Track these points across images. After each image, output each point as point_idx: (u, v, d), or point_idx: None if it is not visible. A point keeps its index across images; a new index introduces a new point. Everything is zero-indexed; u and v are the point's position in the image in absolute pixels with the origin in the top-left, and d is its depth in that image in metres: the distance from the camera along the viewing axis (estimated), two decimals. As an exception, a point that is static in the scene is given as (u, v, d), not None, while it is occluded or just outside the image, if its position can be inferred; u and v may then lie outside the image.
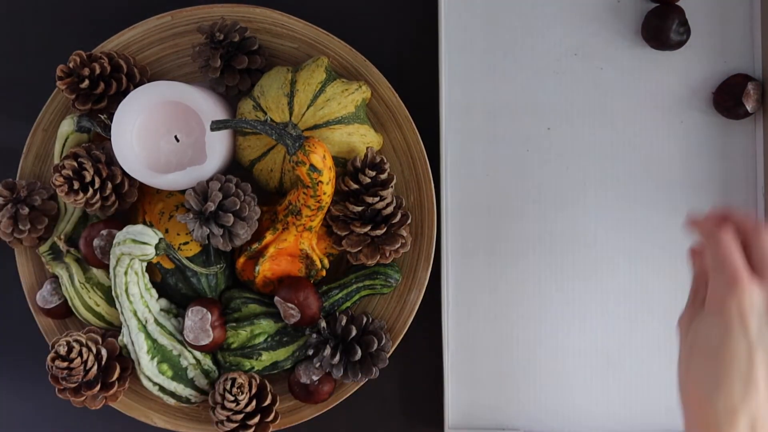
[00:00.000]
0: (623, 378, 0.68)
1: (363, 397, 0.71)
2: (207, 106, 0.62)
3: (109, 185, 0.63)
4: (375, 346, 0.65)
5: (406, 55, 0.71)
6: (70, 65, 0.64)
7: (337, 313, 0.66)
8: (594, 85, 0.69)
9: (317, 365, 0.65)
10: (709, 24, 0.68)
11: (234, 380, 0.63)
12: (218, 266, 0.65)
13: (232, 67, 0.65)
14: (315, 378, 0.66)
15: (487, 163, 0.69)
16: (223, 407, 0.63)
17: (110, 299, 0.66)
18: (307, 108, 0.63)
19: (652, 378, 0.68)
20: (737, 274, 0.52)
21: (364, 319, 0.66)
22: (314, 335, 0.65)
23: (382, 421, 0.72)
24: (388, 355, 0.66)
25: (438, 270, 0.68)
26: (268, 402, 0.64)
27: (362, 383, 0.67)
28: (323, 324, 0.65)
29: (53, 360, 0.63)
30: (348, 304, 0.67)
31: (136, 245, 0.61)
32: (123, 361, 0.65)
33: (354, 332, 0.65)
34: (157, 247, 0.62)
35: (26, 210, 0.65)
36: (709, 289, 0.54)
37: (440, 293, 0.68)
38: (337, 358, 0.64)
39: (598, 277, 0.68)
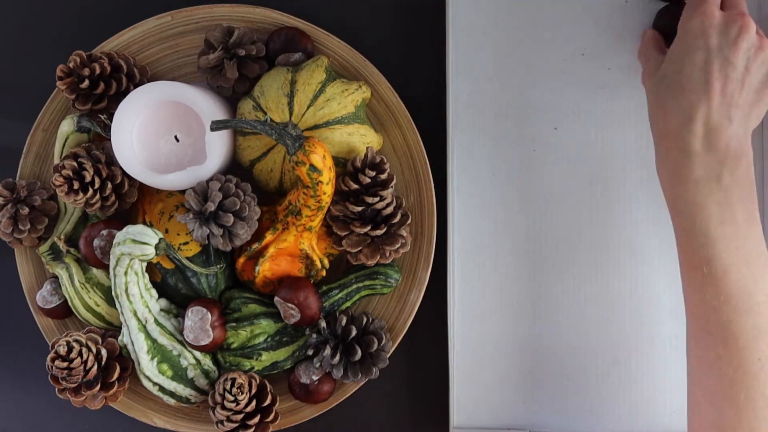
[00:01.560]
0: (630, 378, 0.68)
1: (367, 396, 0.71)
2: (207, 106, 0.62)
3: (109, 185, 0.63)
4: (375, 346, 0.65)
5: (410, 55, 0.71)
6: (70, 65, 0.64)
7: (337, 313, 0.66)
8: (601, 86, 0.68)
9: (317, 365, 0.65)
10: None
11: (234, 380, 0.63)
12: (218, 266, 0.65)
13: (244, 75, 0.65)
14: (315, 378, 0.66)
15: (493, 163, 0.69)
16: (223, 407, 0.63)
17: (110, 299, 0.66)
18: (307, 108, 0.63)
19: (658, 378, 0.68)
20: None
21: (364, 319, 0.66)
22: (314, 335, 0.65)
23: (387, 421, 0.71)
24: (388, 355, 0.66)
25: (444, 269, 0.68)
26: (268, 402, 0.64)
27: (362, 383, 0.67)
28: (323, 324, 0.65)
29: (53, 360, 0.63)
30: (348, 304, 0.67)
31: (136, 245, 0.61)
32: (123, 361, 0.65)
33: (354, 332, 0.65)
34: (157, 247, 0.62)
35: (26, 210, 0.65)
36: (680, 21, 0.59)
37: (446, 293, 0.68)
38: (337, 358, 0.64)
39: (604, 277, 0.68)
